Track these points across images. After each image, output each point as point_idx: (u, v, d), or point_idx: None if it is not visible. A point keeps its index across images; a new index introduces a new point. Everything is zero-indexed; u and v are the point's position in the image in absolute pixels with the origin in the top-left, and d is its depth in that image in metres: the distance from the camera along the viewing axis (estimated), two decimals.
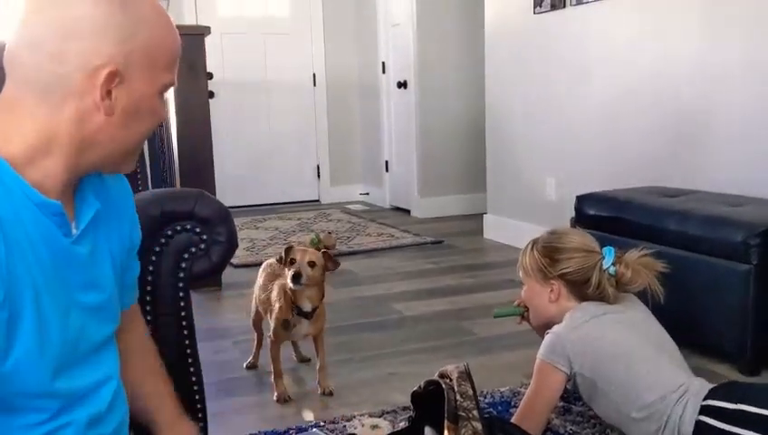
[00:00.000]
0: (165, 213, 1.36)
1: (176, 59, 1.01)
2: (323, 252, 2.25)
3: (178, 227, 1.38)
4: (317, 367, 2.37)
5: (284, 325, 2.25)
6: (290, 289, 2.20)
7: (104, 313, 1.05)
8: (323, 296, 2.28)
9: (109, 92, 0.92)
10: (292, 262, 2.19)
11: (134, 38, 0.92)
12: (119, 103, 0.93)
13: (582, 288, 1.88)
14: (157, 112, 1.00)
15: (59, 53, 0.89)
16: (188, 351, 1.46)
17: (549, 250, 1.93)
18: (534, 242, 1.99)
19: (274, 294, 2.29)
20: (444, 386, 1.44)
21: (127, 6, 0.92)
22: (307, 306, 2.24)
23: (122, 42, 0.91)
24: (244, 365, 2.56)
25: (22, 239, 0.89)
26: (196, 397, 1.49)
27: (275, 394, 2.27)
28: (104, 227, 1.05)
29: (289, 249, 2.24)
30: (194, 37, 3.43)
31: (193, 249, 1.39)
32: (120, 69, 0.91)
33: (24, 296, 0.89)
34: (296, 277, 2.15)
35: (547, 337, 1.85)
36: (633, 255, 1.90)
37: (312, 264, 2.19)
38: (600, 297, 1.88)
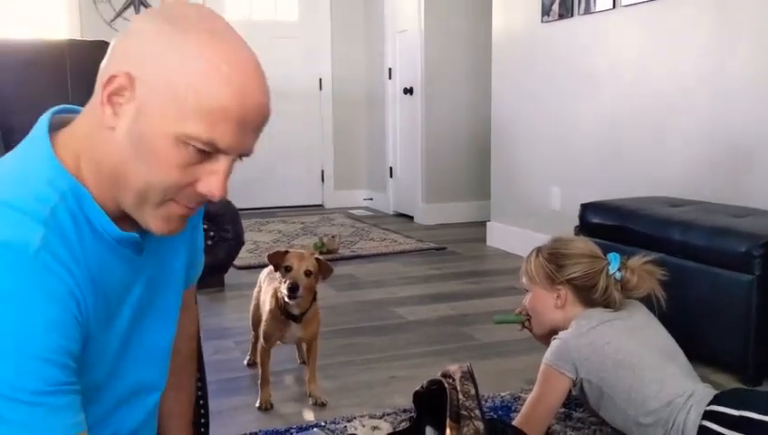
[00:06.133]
0: None
1: (220, 117, 0.83)
2: (317, 259, 2.16)
3: None
4: (306, 376, 2.30)
5: (273, 328, 2.20)
6: (283, 301, 2.11)
7: (159, 320, 1.07)
8: (314, 299, 2.21)
9: (110, 100, 0.86)
10: (287, 269, 2.10)
11: (166, 62, 0.84)
12: (123, 120, 0.85)
13: (589, 294, 1.89)
14: (165, 164, 0.85)
15: (104, 67, 0.89)
16: None
17: (555, 256, 1.93)
18: (539, 249, 1.99)
19: (267, 297, 2.24)
20: (446, 385, 1.44)
21: (177, 32, 0.84)
22: (294, 310, 2.16)
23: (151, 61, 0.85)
24: (245, 362, 2.56)
25: (107, 279, 0.92)
26: (199, 393, 1.50)
27: (258, 401, 2.20)
28: (169, 242, 1.04)
29: (284, 254, 2.13)
30: None
31: None
32: (136, 85, 0.84)
33: (95, 324, 0.91)
34: (293, 290, 2.06)
35: (553, 342, 1.85)
36: (637, 260, 1.91)
37: (308, 273, 2.10)
38: (607, 303, 1.88)
